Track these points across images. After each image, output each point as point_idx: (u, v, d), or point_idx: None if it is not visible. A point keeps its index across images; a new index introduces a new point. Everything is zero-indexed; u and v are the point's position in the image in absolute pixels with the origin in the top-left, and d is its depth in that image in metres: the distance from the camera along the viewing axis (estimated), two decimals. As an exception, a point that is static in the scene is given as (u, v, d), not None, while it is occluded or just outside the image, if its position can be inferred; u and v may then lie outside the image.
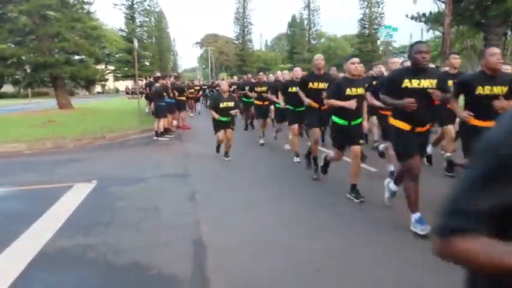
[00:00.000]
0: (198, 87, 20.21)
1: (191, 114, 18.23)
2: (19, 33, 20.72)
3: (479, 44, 21.33)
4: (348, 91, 4.91)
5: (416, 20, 19.61)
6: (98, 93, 64.78)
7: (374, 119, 6.99)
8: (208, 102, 14.48)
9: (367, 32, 59.65)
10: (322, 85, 5.95)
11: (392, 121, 3.99)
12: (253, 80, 13.25)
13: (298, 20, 67.57)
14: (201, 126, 14.06)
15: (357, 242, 3.67)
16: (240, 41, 67.68)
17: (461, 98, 4.29)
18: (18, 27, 20.23)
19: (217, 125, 7.70)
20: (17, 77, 23.13)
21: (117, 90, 62.17)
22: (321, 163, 5.86)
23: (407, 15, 19.74)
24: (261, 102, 9.99)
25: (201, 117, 18.30)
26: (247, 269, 3.20)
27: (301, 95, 6.12)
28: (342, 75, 6.48)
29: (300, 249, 3.55)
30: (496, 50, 3.98)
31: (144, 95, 18.14)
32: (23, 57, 21.42)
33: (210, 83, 25.60)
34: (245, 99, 12.13)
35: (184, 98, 13.40)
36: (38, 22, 20.61)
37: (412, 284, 2.92)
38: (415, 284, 2.91)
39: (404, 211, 4.36)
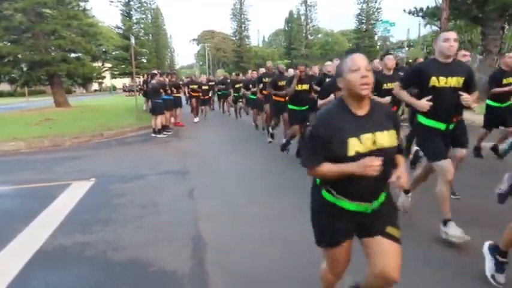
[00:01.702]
0: (206, 85, 15.21)
1: (195, 120, 14.40)
2: (15, 31, 20.58)
3: (477, 39, 21.34)
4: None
5: (413, 14, 19.62)
6: (95, 91, 64.63)
7: None
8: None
9: (365, 27, 59.74)
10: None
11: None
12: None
13: (295, 16, 67.47)
14: (197, 125, 14.05)
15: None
16: (237, 38, 67.68)
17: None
18: (13, 25, 20.09)
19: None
20: (13, 75, 23.04)
21: (114, 88, 61.99)
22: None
23: (404, 10, 19.76)
24: None
25: (206, 122, 14.42)
26: (247, 265, 3.20)
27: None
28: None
29: (299, 243, 3.55)
30: None
31: (142, 93, 18.08)
32: (19, 56, 21.32)
33: (221, 78, 18.79)
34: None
35: (180, 95, 13.31)
36: (33, 20, 20.48)
37: (410, 274, 2.92)
38: (412, 275, 2.91)
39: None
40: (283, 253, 3.37)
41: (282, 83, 7.88)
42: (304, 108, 7.09)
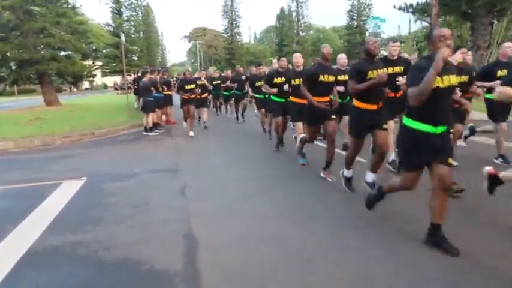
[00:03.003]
0: (202, 81, 11.47)
1: (191, 133, 10.42)
2: (3, 29, 20.27)
3: (466, 34, 21.48)
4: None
5: (404, 10, 19.72)
6: (86, 89, 64.03)
7: None
8: None
9: (356, 23, 59.85)
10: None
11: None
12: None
13: (286, 12, 67.38)
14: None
15: (348, 232, 3.68)
16: (228, 34, 67.45)
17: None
18: (1, 22, 19.80)
19: None
20: (2, 74, 22.71)
21: (105, 86, 61.42)
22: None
23: (395, 6, 19.84)
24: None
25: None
26: (239, 263, 3.20)
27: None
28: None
29: (291, 241, 3.56)
30: None
31: (133, 90, 17.93)
32: (8, 54, 21.01)
33: (221, 74, 15.10)
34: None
35: (170, 93, 13.07)
36: (22, 17, 20.20)
37: (404, 273, 2.94)
38: (406, 273, 2.94)
39: (396, 203, 4.38)
40: (277, 251, 3.37)
41: (378, 71, 4.49)
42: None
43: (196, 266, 3.17)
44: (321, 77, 5.41)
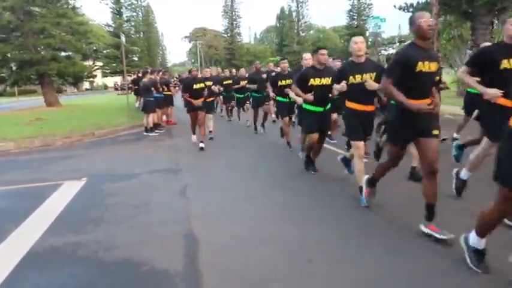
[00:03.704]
0: (210, 81, 9.25)
1: (201, 145, 8.42)
2: (3, 30, 20.33)
3: (467, 34, 21.48)
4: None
5: (404, 10, 19.68)
6: (86, 89, 64.12)
7: None
8: None
9: (356, 23, 59.92)
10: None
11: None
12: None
13: (286, 12, 67.49)
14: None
15: (348, 232, 3.69)
16: (228, 35, 67.62)
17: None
18: (2, 23, 19.84)
19: None
20: (2, 75, 22.77)
21: (105, 87, 61.50)
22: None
23: (395, 6, 19.81)
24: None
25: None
26: (240, 263, 3.20)
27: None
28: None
29: (291, 240, 3.56)
30: None
31: (133, 91, 17.94)
32: (8, 55, 21.06)
33: (246, 74, 12.95)
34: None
35: (171, 93, 12.94)
36: (22, 18, 20.26)
37: (404, 273, 2.95)
38: (406, 273, 2.94)
39: (396, 202, 4.41)
40: (277, 252, 3.37)
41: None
42: None
43: (196, 266, 3.18)
44: (420, 65, 3.38)
